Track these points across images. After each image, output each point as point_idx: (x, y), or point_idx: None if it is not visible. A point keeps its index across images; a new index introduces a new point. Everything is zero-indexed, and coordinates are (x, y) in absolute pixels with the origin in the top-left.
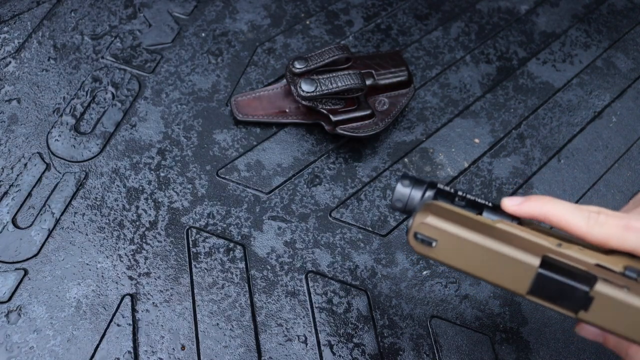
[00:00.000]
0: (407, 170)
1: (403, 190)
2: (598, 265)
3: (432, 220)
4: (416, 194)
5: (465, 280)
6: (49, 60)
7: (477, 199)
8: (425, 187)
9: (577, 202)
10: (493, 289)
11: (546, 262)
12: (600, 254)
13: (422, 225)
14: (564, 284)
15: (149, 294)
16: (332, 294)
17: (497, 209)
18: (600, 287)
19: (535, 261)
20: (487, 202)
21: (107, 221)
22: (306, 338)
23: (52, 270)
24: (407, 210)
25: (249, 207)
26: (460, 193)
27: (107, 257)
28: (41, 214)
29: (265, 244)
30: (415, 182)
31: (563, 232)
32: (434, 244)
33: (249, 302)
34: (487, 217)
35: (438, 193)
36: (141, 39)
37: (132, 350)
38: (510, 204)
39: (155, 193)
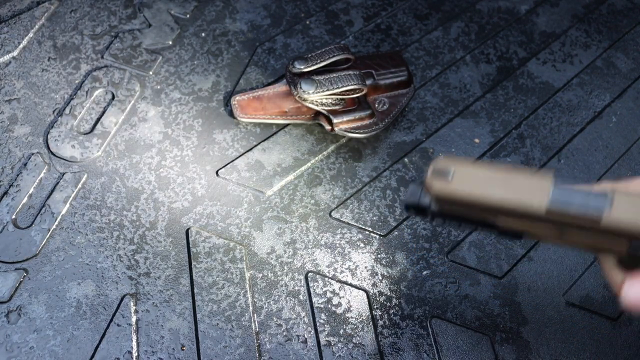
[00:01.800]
0: (407, 170)
1: (416, 187)
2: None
3: (448, 159)
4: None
5: (465, 280)
6: (48, 60)
7: None
8: None
9: None
10: (493, 289)
11: (558, 180)
12: None
13: (439, 162)
14: (581, 192)
15: (149, 294)
16: (332, 294)
17: None
18: (619, 189)
19: (549, 179)
20: None
21: (107, 221)
22: (306, 338)
23: (52, 270)
24: (421, 208)
25: (249, 207)
26: None
27: (107, 257)
28: (41, 214)
29: (265, 244)
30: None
31: None
32: (451, 173)
33: (249, 302)
34: None
35: None
36: (141, 39)
37: (132, 350)
38: None
39: (155, 193)
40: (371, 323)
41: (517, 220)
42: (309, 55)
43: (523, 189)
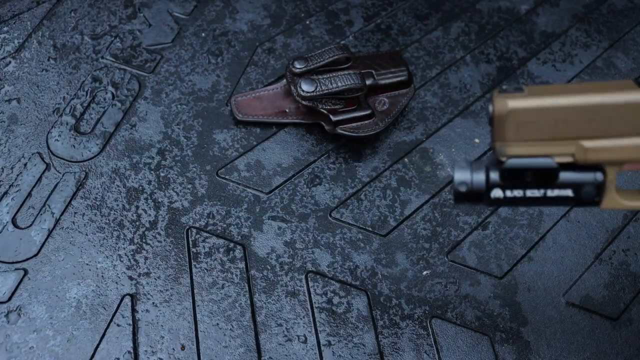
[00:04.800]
0: (407, 170)
1: (463, 172)
2: None
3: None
4: (478, 176)
5: (465, 280)
6: (49, 60)
7: None
8: (485, 167)
9: None
10: (493, 289)
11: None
12: None
13: (506, 85)
14: None
15: (149, 294)
16: (332, 294)
17: None
18: None
19: (628, 81)
20: None
21: (107, 221)
22: (306, 338)
23: (52, 270)
24: (474, 194)
25: (249, 207)
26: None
27: (107, 257)
28: (41, 214)
29: (265, 244)
30: (472, 163)
31: None
32: (524, 88)
33: (249, 302)
34: None
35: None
36: (141, 39)
37: (132, 350)
38: None
39: (155, 193)
40: (371, 323)
41: (604, 138)
42: (309, 55)
43: (608, 87)
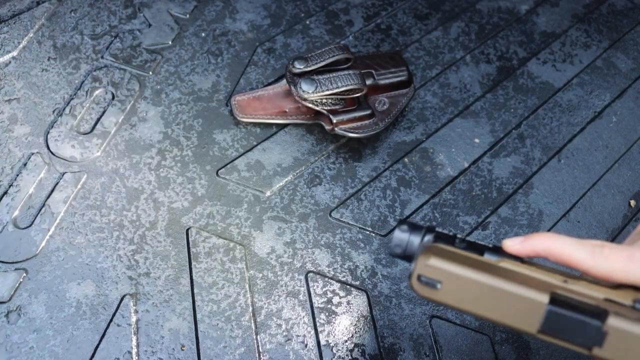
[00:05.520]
0: (407, 170)
1: (401, 235)
2: (607, 300)
3: (435, 261)
4: (415, 238)
5: None
6: (48, 60)
7: (477, 242)
8: (424, 232)
9: (577, 202)
10: None
11: (555, 299)
12: (608, 289)
13: (425, 268)
14: (575, 320)
15: (149, 294)
16: (332, 294)
17: (498, 250)
18: (613, 321)
19: (544, 298)
20: (488, 244)
21: (107, 221)
22: (306, 338)
23: (52, 270)
24: (407, 256)
25: (249, 207)
26: (459, 236)
27: (107, 257)
28: (41, 214)
29: (265, 244)
30: (413, 227)
31: (567, 268)
32: (438, 286)
33: (249, 302)
34: (489, 258)
35: (437, 237)
36: (141, 39)
37: (132, 350)
38: (512, 244)
39: (155, 193)
40: (371, 323)
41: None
42: (309, 55)
43: (515, 309)
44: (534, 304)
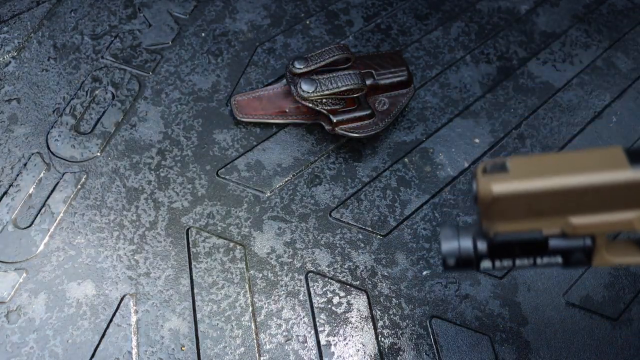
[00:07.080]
0: (407, 170)
1: (450, 241)
2: None
3: (499, 158)
4: (465, 242)
5: (465, 280)
6: (48, 60)
7: None
8: (473, 233)
9: None
10: (493, 289)
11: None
12: None
13: (488, 161)
14: None
15: (149, 294)
16: (332, 294)
17: None
18: None
19: (618, 149)
20: None
21: (107, 221)
22: (306, 338)
23: (52, 270)
24: (462, 265)
25: (249, 207)
26: None
27: (107, 257)
28: (41, 214)
29: (265, 244)
30: (459, 230)
31: None
32: (508, 165)
33: (249, 302)
34: None
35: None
36: (141, 39)
37: (132, 350)
38: None
39: (155, 193)
40: (371, 323)
41: (592, 214)
42: (309, 55)
43: (595, 162)
44: (610, 152)
